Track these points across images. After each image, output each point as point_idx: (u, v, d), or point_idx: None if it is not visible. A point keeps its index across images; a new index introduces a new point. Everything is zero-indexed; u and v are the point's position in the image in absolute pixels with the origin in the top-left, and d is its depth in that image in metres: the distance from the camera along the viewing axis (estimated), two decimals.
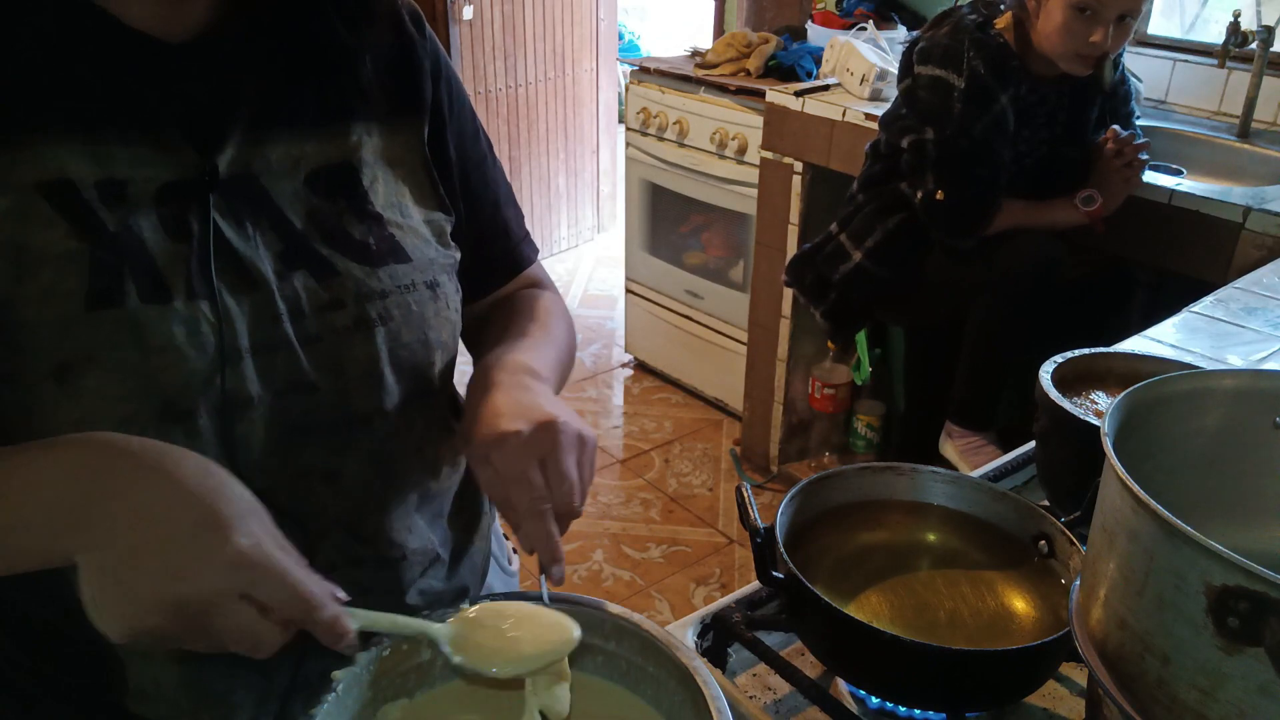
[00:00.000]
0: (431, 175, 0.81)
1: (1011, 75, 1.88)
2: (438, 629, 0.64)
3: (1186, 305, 1.45)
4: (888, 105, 2.42)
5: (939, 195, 1.92)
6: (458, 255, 0.83)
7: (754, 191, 2.74)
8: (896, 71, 2.48)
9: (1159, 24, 2.55)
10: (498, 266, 0.92)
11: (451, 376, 0.85)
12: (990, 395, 2.12)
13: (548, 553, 0.67)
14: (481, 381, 0.75)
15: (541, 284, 0.97)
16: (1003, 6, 1.93)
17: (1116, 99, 2.02)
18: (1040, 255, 1.95)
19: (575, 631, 0.64)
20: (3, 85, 0.63)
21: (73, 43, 0.65)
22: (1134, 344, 1.32)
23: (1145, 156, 1.91)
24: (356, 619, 0.58)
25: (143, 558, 0.53)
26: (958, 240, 1.98)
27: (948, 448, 2.19)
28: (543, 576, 0.68)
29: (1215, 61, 2.23)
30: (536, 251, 0.96)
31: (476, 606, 0.66)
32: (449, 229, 0.82)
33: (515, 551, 0.68)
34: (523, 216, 0.95)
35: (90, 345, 0.63)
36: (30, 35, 0.64)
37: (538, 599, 0.67)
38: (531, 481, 0.66)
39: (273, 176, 0.72)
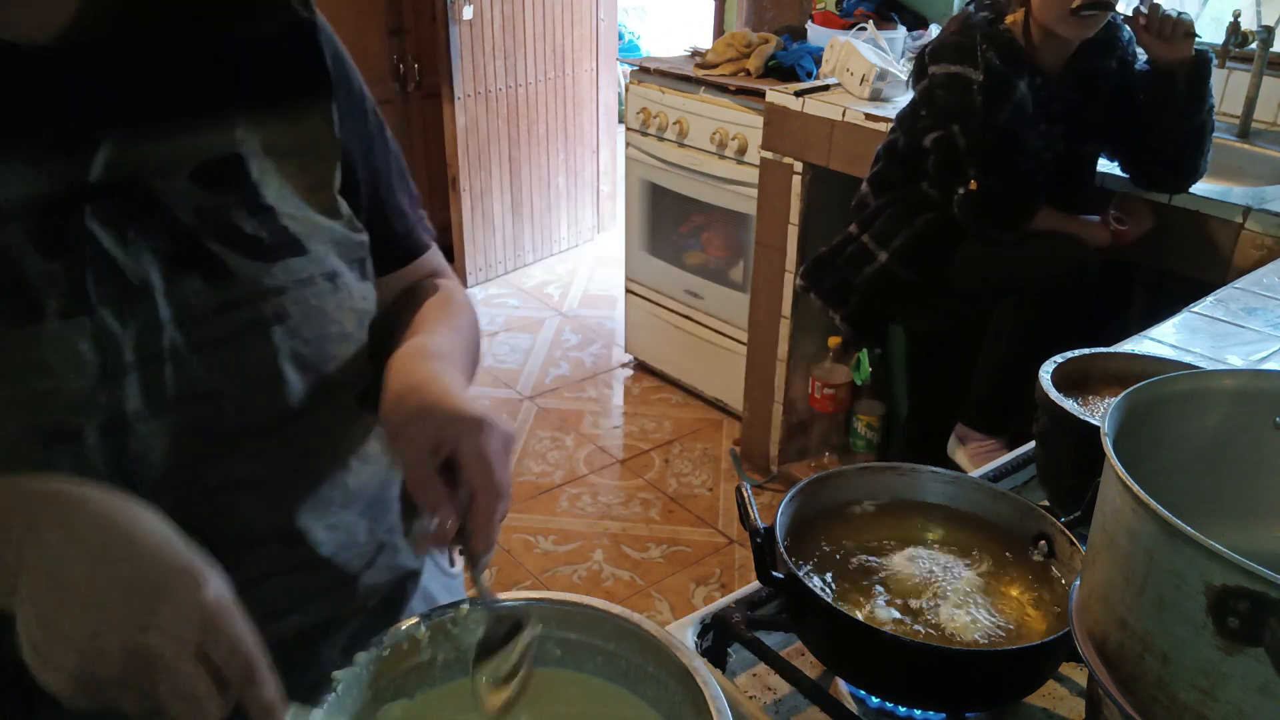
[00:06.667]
0: (339, 159, 0.78)
1: (1023, 66, 1.91)
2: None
3: (1186, 305, 1.45)
4: (888, 105, 2.43)
5: (974, 185, 1.92)
6: (364, 239, 0.80)
7: (754, 191, 2.74)
8: (897, 71, 2.50)
9: None
10: (393, 250, 0.88)
11: (362, 366, 0.81)
12: (1009, 399, 2.10)
13: (487, 540, 0.65)
14: (413, 370, 0.72)
15: (441, 273, 0.94)
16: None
17: (1128, 72, 2.00)
18: (1073, 258, 1.94)
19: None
20: None
21: None
22: (1134, 344, 1.32)
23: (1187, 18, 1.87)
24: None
25: (104, 601, 0.52)
26: (999, 233, 1.97)
27: (958, 453, 2.18)
28: (480, 576, 0.67)
29: (1215, 61, 2.23)
30: (433, 235, 0.93)
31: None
32: (352, 214, 0.79)
33: (462, 554, 0.67)
34: (418, 200, 0.91)
35: None
36: None
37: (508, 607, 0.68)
38: (496, 464, 0.65)
39: (157, 175, 0.68)
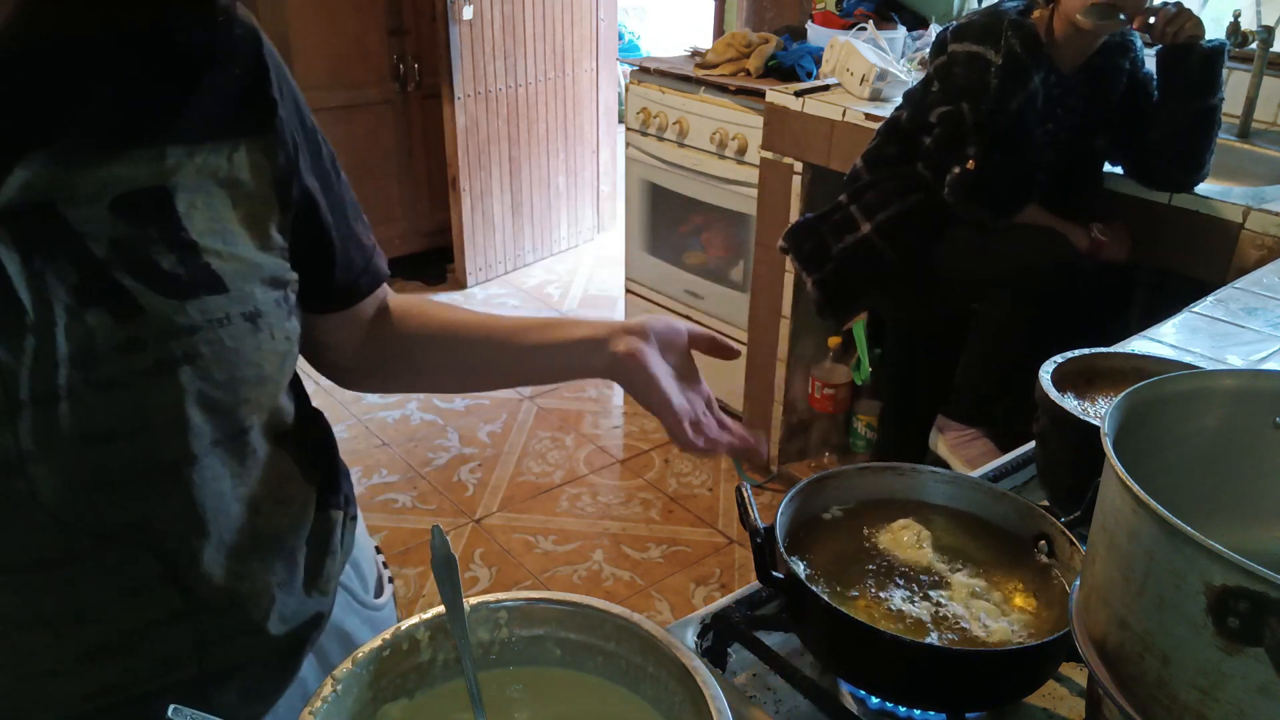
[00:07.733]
0: (281, 195, 0.74)
1: (1042, 60, 1.95)
2: None
3: (1186, 305, 1.45)
4: (888, 105, 2.43)
5: (970, 165, 1.95)
6: (295, 278, 0.76)
7: (754, 191, 2.74)
8: (897, 71, 2.50)
9: None
10: (359, 278, 0.87)
11: (280, 408, 0.78)
12: (995, 391, 2.12)
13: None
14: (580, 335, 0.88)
15: (403, 300, 0.94)
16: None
17: (1137, 74, 2.05)
18: (1062, 253, 1.96)
19: None
20: None
21: None
22: (1134, 344, 1.32)
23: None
24: None
25: None
26: (987, 217, 2.00)
27: (939, 443, 2.20)
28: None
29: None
30: (386, 262, 0.91)
31: None
32: (285, 250, 0.75)
33: (391, 581, 0.65)
34: (370, 228, 0.89)
35: None
36: None
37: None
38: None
39: (75, 202, 0.64)
